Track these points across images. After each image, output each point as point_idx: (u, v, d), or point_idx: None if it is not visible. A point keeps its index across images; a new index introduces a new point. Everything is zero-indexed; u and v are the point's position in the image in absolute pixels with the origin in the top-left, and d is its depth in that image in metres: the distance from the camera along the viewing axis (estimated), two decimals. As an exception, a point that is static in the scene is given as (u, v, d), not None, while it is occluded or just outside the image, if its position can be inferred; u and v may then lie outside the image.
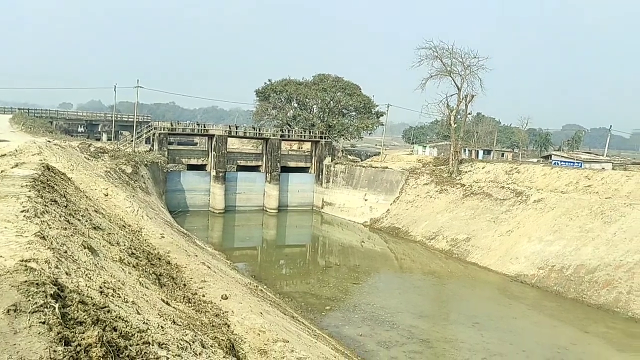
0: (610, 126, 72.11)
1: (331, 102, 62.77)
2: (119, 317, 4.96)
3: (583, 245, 30.92)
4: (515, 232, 35.66)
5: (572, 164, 49.08)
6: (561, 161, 51.59)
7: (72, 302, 4.43)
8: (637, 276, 26.80)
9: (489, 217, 38.67)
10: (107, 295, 5.73)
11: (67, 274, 5.55)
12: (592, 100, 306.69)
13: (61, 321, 3.82)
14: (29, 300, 3.87)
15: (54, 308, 3.91)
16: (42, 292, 4.09)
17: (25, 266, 4.78)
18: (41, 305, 3.85)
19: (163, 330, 6.11)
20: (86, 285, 5.54)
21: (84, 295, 4.87)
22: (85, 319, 4.23)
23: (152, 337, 5.13)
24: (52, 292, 4.20)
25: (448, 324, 24.75)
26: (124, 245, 11.79)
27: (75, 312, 4.26)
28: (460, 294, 30.22)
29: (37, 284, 4.25)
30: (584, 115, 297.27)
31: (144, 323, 5.79)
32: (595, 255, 29.75)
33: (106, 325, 4.42)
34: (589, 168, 44.31)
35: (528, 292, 29.53)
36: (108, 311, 4.89)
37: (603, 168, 46.23)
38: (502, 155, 71.60)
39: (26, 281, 4.30)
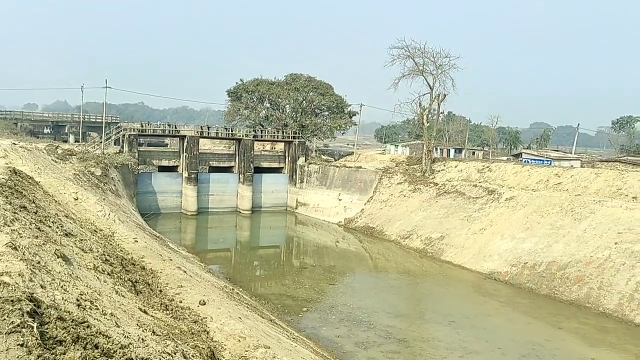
0: (578, 124, 73.80)
1: (304, 101, 62.54)
2: (100, 333, 4.70)
3: (554, 242, 31.47)
4: (488, 230, 36.10)
5: (542, 162, 50.01)
6: (531, 159, 52.54)
7: (49, 318, 4.17)
8: (607, 272, 27.40)
9: (463, 216, 39.06)
10: (85, 309, 5.45)
11: (42, 287, 5.25)
12: (558, 99, 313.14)
13: (40, 342, 3.57)
14: (5, 319, 3.60)
15: (32, 328, 3.65)
16: (18, 310, 3.83)
17: (-2, 281, 4.49)
18: (18, 325, 3.59)
19: (144, 343, 5.86)
20: (62, 298, 5.25)
21: (61, 310, 4.61)
22: (65, 337, 3.98)
23: (134, 352, 4.90)
24: (28, 309, 3.94)
25: (424, 323, 24.85)
26: (98, 251, 11.41)
27: (54, 330, 4.00)
28: (436, 293, 30.42)
29: (12, 300, 3.98)
30: (550, 114, 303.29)
31: (124, 337, 5.54)
32: (566, 251, 30.31)
33: (87, 343, 4.17)
34: (558, 166, 45.20)
35: (502, 290, 29.90)
36: (87, 326, 4.63)
37: (572, 166, 47.23)
38: (473, 153, 72.51)
39: (0, 298, 4.02)
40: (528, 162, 49.96)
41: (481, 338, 22.29)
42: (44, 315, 4.17)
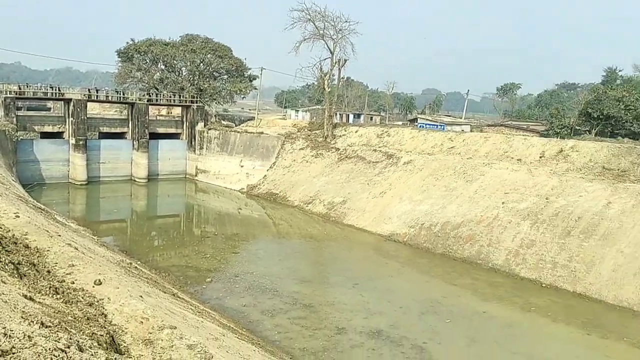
0: (468, 90, 77.87)
1: (201, 64, 59.99)
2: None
3: (449, 203, 33.08)
4: (387, 193, 37.16)
5: (436, 126, 52.16)
6: (426, 124, 54.62)
7: None
8: (496, 230, 29.32)
9: (363, 180, 39.86)
10: (-48, 308, 4.54)
11: None
12: (446, 67, 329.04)
13: None
14: None
15: None
16: None
17: None
18: None
19: (31, 341, 5.05)
20: None
21: None
22: None
23: (18, 357, 4.14)
24: None
25: (329, 287, 25.21)
26: (-30, 232, 9.99)
27: None
28: (339, 256, 30.95)
29: None
30: (440, 81, 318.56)
31: (5, 336, 4.72)
32: (459, 212, 31.98)
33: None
34: (451, 130, 47.31)
35: (401, 250, 31.06)
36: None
37: (463, 130, 49.68)
38: (371, 118, 74.10)
39: None
40: (423, 127, 51.88)
41: (384, 299, 22.99)
42: None
